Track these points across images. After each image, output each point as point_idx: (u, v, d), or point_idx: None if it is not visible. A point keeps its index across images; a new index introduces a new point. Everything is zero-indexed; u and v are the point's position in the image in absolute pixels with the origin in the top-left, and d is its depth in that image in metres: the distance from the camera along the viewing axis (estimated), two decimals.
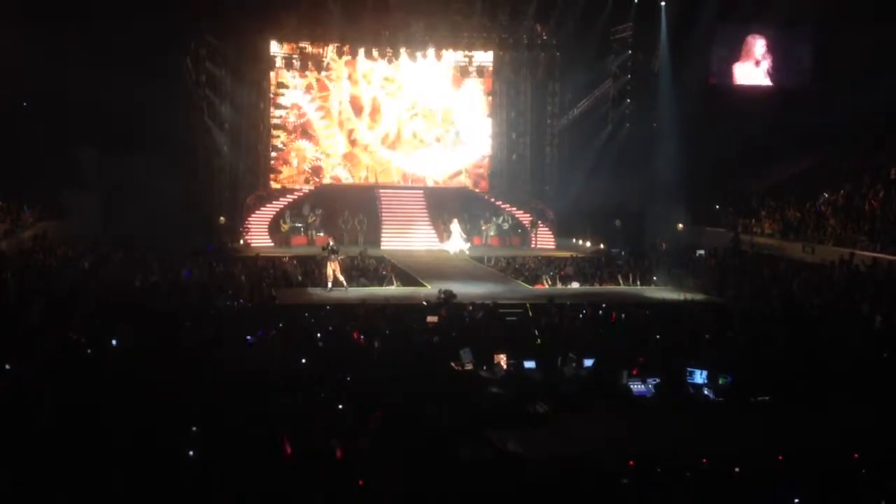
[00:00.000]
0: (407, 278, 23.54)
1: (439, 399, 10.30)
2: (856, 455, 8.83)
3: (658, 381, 11.99)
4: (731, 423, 10.79)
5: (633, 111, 33.25)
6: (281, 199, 31.39)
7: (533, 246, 30.86)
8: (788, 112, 29.65)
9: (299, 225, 30.51)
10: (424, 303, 18.95)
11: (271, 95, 32.33)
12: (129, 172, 26.84)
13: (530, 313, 18.58)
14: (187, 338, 13.98)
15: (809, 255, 25.95)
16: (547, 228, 31.51)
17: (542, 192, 33.73)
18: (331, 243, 23.27)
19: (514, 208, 32.21)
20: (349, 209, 31.05)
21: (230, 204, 31.36)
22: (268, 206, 31.00)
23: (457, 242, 29.13)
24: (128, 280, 20.64)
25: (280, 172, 32.77)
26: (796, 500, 7.78)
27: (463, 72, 33.16)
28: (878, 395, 11.44)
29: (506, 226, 31.79)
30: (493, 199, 32.66)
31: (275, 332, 14.70)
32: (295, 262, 24.63)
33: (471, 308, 18.00)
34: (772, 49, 32.54)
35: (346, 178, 33.08)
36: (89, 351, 12.91)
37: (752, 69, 32.61)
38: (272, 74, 32.19)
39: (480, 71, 33.29)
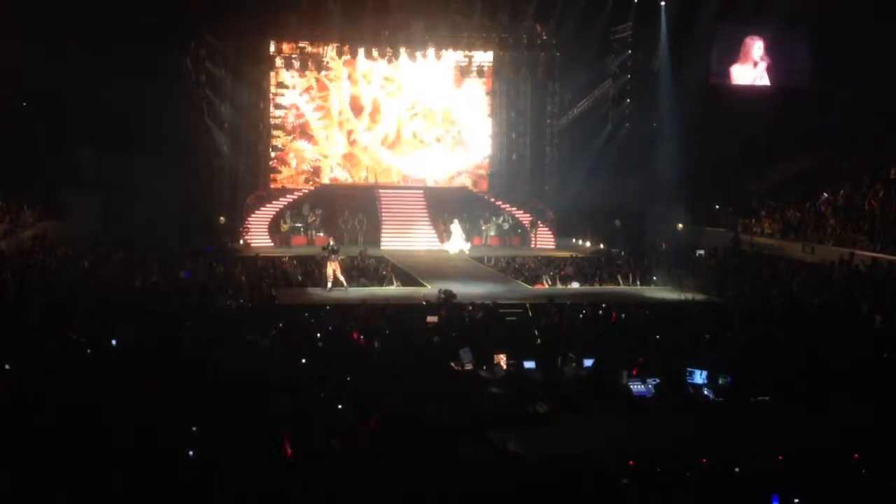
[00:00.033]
0: (407, 278, 23.54)
1: (439, 399, 10.27)
2: (856, 455, 8.81)
3: (658, 381, 11.97)
4: (731, 423, 10.75)
5: (632, 111, 33.24)
6: (281, 199, 31.37)
7: (533, 246, 30.85)
8: (788, 112, 29.62)
9: (299, 225, 30.50)
10: (424, 303, 18.96)
11: (271, 95, 32.34)
12: (129, 172, 26.78)
13: (530, 313, 18.58)
14: (187, 338, 13.97)
15: (809, 255, 25.94)
16: (547, 228, 31.50)
17: (541, 192, 33.72)
18: (331, 243, 23.27)
19: (514, 208, 32.20)
20: (349, 209, 31.03)
21: (230, 204, 31.35)
22: (268, 206, 30.99)
23: (457, 242, 29.13)
24: (128, 280, 20.65)
25: (280, 173, 32.78)
26: (796, 500, 7.77)
27: (463, 72, 33.17)
28: (878, 395, 11.42)
29: (506, 226, 31.77)
30: (493, 199, 32.65)
31: (275, 332, 14.71)
32: (295, 262, 24.63)
33: (471, 308, 18.00)
34: (771, 49, 32.49)
35: (345, 179, 33.08)
36: (89, 351, 12.90)
37: (752, 69, 32.59)
38: (272, 74, 32.21)
39: (480, 71, 33.30)
